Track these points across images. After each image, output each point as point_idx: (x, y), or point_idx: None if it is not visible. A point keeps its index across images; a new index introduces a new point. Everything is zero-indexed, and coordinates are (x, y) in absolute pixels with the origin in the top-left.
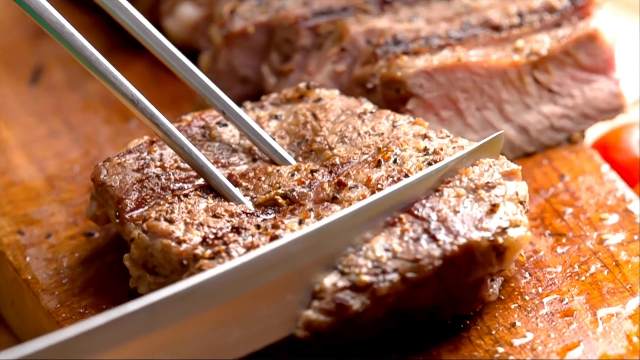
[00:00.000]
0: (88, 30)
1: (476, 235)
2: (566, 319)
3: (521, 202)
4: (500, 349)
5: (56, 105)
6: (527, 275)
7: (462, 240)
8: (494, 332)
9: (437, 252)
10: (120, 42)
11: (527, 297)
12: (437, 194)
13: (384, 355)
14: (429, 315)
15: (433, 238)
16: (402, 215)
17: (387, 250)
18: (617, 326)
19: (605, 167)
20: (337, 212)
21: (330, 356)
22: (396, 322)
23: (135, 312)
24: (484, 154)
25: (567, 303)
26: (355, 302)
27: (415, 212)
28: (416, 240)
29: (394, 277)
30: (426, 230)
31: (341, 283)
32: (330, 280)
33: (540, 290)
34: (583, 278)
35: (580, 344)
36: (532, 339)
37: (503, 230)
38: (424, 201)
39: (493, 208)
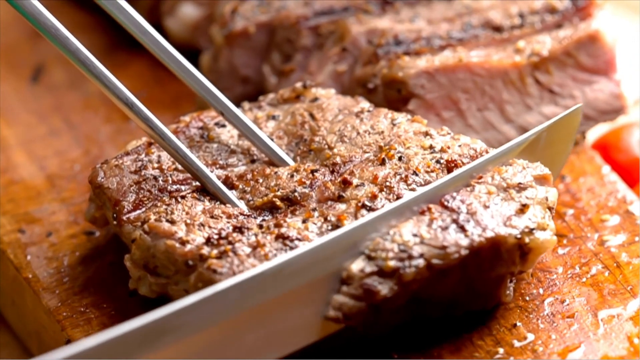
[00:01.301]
0: (89, 30)
1: (504, 231)
2: (567, 320)
3: (550, 208)
4: (501, 350)
5: (57, 104)
6: (528, 276)
7: (490, 234)
8: (494, 333)
9: (464, 242)
10: (121, 42)
11: (528, 298)
12: (468, 188)
13: (384, 355)
14: (445, 309)
15: (462, 228)
16: (432, 206)
17: (414, 235)
18: (618, 327)
19: (606, 169)
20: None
21: (331, 356)
22: (412, 315)
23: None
24: (561, 131)
25: (568, 304)
26: (384, 288)
27: (445, 203)
28: (444, 229)
29: (420, 262)
30: (455, 221)
31: (368, 269)
32: (357, 266)
33: (541, 291)
34: (584, 279)
35: (581, 345)
36: (533, 340)
37: (530, 231)
38: (454, 194)
39: (523, 208)
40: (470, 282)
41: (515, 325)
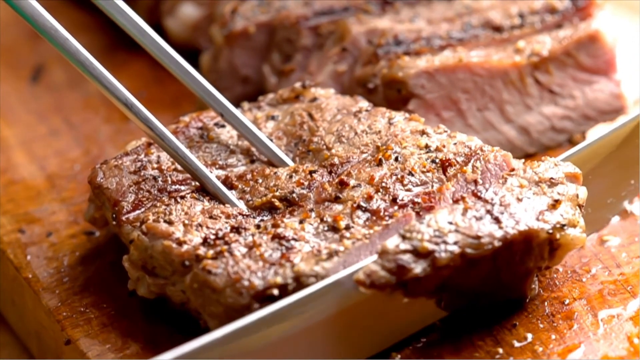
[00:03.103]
0: (88, 30)
1: (536, 225)
2: (567, 320)
3: (580, 206)
4: (501, 350)
5: (57, 104)
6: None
7: (523, 227)
8: (494, 333)
9: (498, 233)
10: (120, 42)
11: (528, 298)
12: (500, 181)
13: (384, 355)
14: (470, 299)
15: (496, 220)
16: (465, 195)
17: (449, 222)
18: (618, 327)
19: None
20: None
21: (331, 356)
22: (435, 304)
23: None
24: None
25: (568, 304)
26: (417, 267)
27: (479, 194)
28: (479, 219)
29: (455, 248)
30: (489, 212)
31: (403, 246)
32: (392, 242)
33: (541, 291)
34: (584, 279)
35: (581, 345)
36: (532, 340)
37: (562, 227)
38: (487, 185)
39: (555, 204)
40: (498, 274)
41: (515, 325)
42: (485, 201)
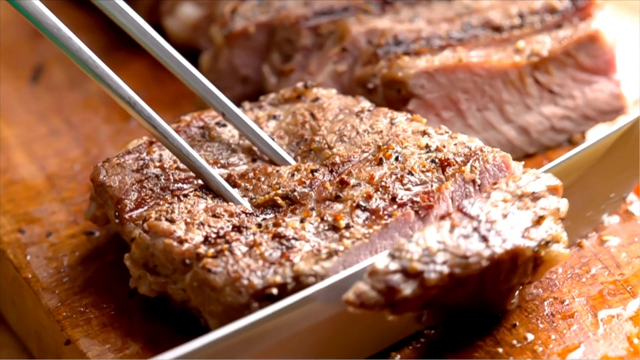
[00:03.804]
0: (89, 30)
1: (522, 243)
2: (567, 320)
3: (562, 219)
4: (501, 350)
5: (56, 104)
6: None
7: (510, 245)
8: (494, 333)
9: (486, 252)
10: (121, 41)
11: (527, 299)
12: (484, 194)
13: (384, 355)
14: (450, 315)
15: (484, 238)
16: (451, 211)
17: (438, 241)
18: (617, 328)
19: None
20: None
21: (330, 356)
22: (422, 322)
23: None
24: None
25: (567, 304)
26: (407, 287)
27: (464, 209)
28: (466, 237)
29: (444, 268)
30: (476, 230)
31: (393, 266)
32: (382, 262)
33: (541, 291)
34: (584, 279)
35: (581, 345)
36: (532, 340)
37: (546, 244)
38: (472, 200)
39: (539, 220)
40: (483, 291)
41: (515, 325)
42: (472, 217)
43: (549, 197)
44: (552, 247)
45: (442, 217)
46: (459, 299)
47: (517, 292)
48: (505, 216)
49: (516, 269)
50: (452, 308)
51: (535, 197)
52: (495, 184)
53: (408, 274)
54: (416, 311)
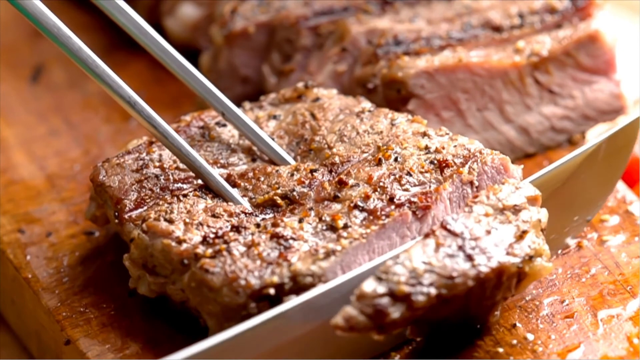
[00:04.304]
0: (88, 30)
1: (507, 260)
2: (567, 320)
3: (542, 230)
4: (501, 350)
5: (56, 104)
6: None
7: (495, 263)
8: (494, 333)
9: (472, 272)
10: (120, 41)
11: (527, 298)
12: (467, 209)
13: (384, 355)
14: (434, 329)
15: (469, 258)
16: (435, 228)
17: (424, 262)
18: (617, 328)
19: None
20: None
21: (330, 356)
22: (407, 335)
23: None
24: (619, 141)
25: (567, 304)
26: (395, 311)
27: (448, 226)
28: (452, 257)
29: (431, 290)
30: (461, 248)
31: (380, 289)
32: (369, 285)
33: (540, 291)
34: (584, 279)
35: (581, 345)
36: (532, 340)
37: (530, 258)
38: (455, 216)
39: (522, 234)
40: (468, 307)
41: (514, 325)
42: (456, 235)
43: (530, 208)
44: (536, 261)
45: (427, 235)
46: (444, 315)
47: (499, 306)
48: (488, 232)
49: (501, 285)
50: (435, 323)
51: (516, 210)
52: (476, 196)
53: (396, 296)
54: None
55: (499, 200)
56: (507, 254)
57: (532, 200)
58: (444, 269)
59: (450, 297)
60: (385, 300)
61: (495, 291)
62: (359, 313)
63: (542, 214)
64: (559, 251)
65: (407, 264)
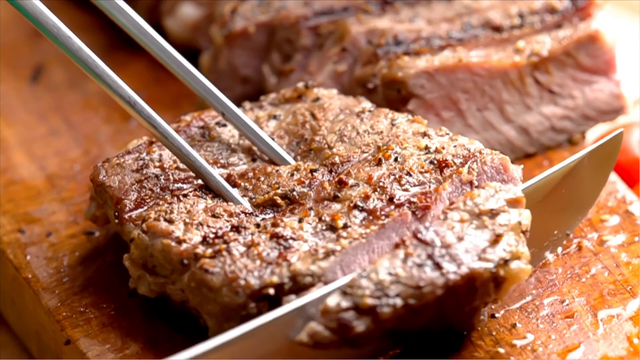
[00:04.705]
0: (88, 30)
1: (479, 266)
2: (567, 320)
3: (523, 232)
4: (501, 350)
5: (56, 104)
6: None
7: (464, 270)
8: (494, 333)
9: (440, 280)
10: (120, 42)
11: (527, 298)
12: (442, 216)
13: (384, 355)
14: (421, 335)
15: (437, 266)
16: (406, 238)
17: (390, 274)
18: (617, 328)
19: None
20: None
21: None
22: (390, 342)
23: None
24: (602, 154)
25: (567, 304)
26: (359, 324)
27: (419, 235)
28: (420, 266)
29: (397, 301)
30: (430, 256)
31: (344, 304)
32: (333, 300)
33: (540, 291)
34: (584, 279)
35: (581, 345)
36: (532, 340)
37: (505, 263)
38: (427, 224)
39: (497, 238)
40: (444, 315)
41: (515, 325)
42: (426, 244)
43: (509, 210)
44: (512, 264)
45: (397, 246)
46: (420, 324)
47: (484, 309)
48: (461, 239)
49: (475, 291)
50: (416, 332)
51: (493, 214)
52: (452, 203)
53: (360, 310)
54: (379, 342)
55: (475, 205)
56: (480, 259)
57: (514, 203)
58: (411, 279)
59: (420, 307)
60: (349, 314)
61: (471, 297)
62: (324, 328)
63: (524, 216)
64: (560, 251)
65: (373, 277)
